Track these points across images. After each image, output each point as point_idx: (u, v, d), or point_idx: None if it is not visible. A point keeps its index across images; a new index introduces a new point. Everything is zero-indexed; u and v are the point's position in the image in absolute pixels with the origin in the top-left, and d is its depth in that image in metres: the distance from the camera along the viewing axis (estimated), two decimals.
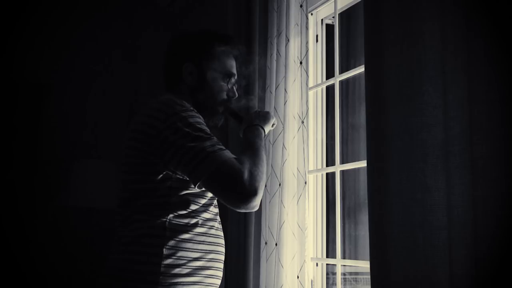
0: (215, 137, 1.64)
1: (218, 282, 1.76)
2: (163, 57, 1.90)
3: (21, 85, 3.40)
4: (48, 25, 3.67)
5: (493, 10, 1.28)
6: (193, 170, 1.60)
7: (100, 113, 3.65)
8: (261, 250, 2.16)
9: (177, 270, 1.63)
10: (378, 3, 1.59)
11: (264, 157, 1.70)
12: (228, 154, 1.61)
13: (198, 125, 1.64)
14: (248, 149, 1.72)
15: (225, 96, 1.86)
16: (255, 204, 1.59)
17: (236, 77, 1.90)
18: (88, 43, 3.75)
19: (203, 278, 1.69)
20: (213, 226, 1.75)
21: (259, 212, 2.20)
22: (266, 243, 2.16)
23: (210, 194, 1.76)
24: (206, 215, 1.73)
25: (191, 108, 1.68)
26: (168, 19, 3.49)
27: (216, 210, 1.79)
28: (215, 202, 1.79)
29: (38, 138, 3.38)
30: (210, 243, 1.72)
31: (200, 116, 1.69)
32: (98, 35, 3.78)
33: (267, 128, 1.87)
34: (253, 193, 1.58)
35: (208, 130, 1.65)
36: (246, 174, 1.57)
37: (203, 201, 1.73)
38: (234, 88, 1.90)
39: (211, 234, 1.74)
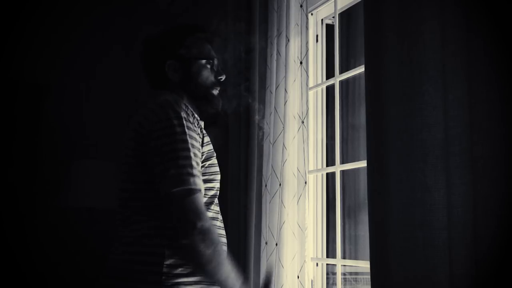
0: (193, 153, 1.65)
1: None
2: (140, 60, 1.91)
3: (21, 86, 3.40)
4: (46, 25, 3.67)
5: (494, 10, 1.28)
6: (161, 179, 1.63)
7: (99, 113, 3.65)
8: (262, 250, 2.17)
9: (179, 270, 1.63)
10: (378, 3, 1.59)
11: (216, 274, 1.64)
12: (197, 186, 1.63)
13: (185, 136, 1.64)
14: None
15: (213, 79, 1.87)
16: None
17: (216, 59, 1.91)
18: (87, 43, 3.75)
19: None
20: (215, 225, 1.75)
21: (259, 212, 2.20)
22: (266, 243, 2.16)
23: (211, 192, 1.76)
24: (208, 213, 1.74)
25: (185, 116, 1.67)
26: (167, 19, 3.49)
27: (218, 208, 1.80)
28: (216, 200, 1.79)
29: (37, 138, 3.38)
30: None
31: (192, 124, 1.69)
32: (97, 35, 3.79)
33: None
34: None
35: (192, 147, 1.66)
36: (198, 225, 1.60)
37: (204, 199, 1.74)
38: (219, 69, 1.91)
39: None
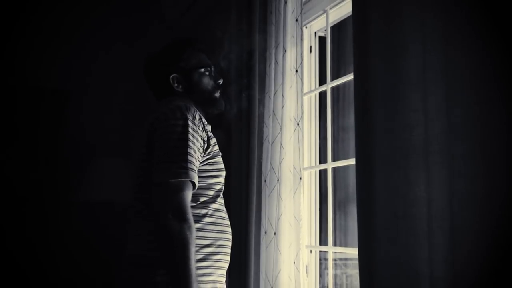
0: (193, 150, 1.64)
1: (227, 265, 1.77)
2: (144, 76, 1.91)
3: (44, 92, 3.40)
4: (63, 37, 3.65)
5: (469, 24, 1.28)
6: (157, 169, 1.63)
7: (115, 116, 3.65)
8: (261, 239, 2.17)
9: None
10: (366, 18, 1.58)
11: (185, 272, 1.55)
12: (188, 179, 1.61)
13: (185, 135, 1.64)
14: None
15: (213, 83, 1.90)
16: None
17: (213, 66, 1.92)
18: (103, 51, 3.74)
19: (214, 262, 1.70)
20: (220, 216, 1.76)
21: (259, 204, 2.20)
22: (265, 232, 2.16)
23: (217, 187, 1.76)
24: (214, 205, 1.74)
25: (190, 118, 1.67)
26: (177, 32, 3.49)
27: (223, 201, 1.80)
28: (221, 194, 1.80)
29: (60, 139, 3.38)
30: (218, 231, 1.73)
31: (196, 127, 1.69)
32: (112, 49, 3.77)
33: None
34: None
35: (193, 144, 1.65)
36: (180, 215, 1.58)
37: (211, 192, 1.74)
38: (217, 73, 1.93)
39: (219, 223, 1.75)
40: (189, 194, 1.62)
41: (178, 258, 1.55)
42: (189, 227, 1.58)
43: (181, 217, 1.58)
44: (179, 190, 1.60)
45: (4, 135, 3.26)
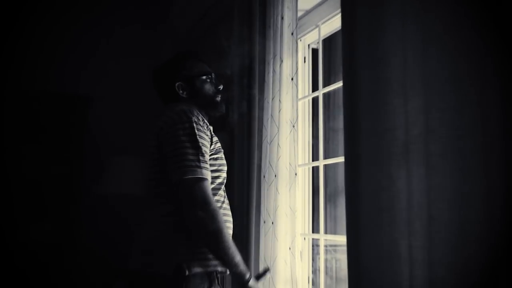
0: (203, 149, 1.64)
1: None
2: (153, 86, 1.92)
3: (69, 97, 3.40)
4: (85, 50, 3.65)
5: (444, 39, 1.29)
6: (173, 169, 1.62)
7: (130, 119, 3.65)
8: (261, 228, 2.17)
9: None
10: (353, 33, 1.59)
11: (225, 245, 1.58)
12: (204, 174, 1.62)
13: (195, 137, 1.65)
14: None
15: (214, 89, 1.89)
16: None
17: (212, 73, 1.92)
18: (120, 61, 3.74)
19: None
20: (221, 207, 1.75)
21: (258, 197, 2.20)
22: (264, 222, 2.16)
23: (219, 180, 1.75)
24: (215, 197, 1.73)
25: (195, 120, 1.68)
26: (186, 44, 3.49)
27: (224, 193, 1.79)
28: (223, 187, 1.79)
29: (84, 140, 3.38)
30: None
31: (201, 127, 1.69)
32: (129, 55, 3.78)
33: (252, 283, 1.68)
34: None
35: (203, 145, 1.65)
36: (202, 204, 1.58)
37: (212, 185, 1.73)
38: (217, 80, 1.92)
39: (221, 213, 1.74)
40: (208, 186, 1.62)
41: (215, 238, 1.58)
42: (217, 213, 1.60)
43: (207, 206, 1.58)
44: (199, 185, 1.60)
45: (34, 134, 3.26)
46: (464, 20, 1.24)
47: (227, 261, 1.60)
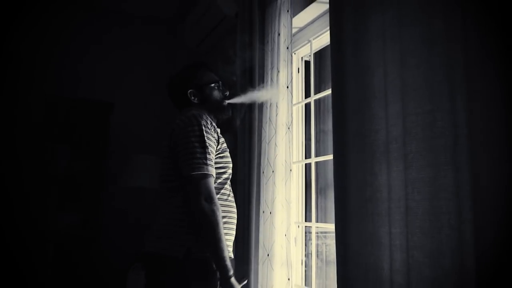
0: (209, 149, 1.65)
1: (233, 237, 1.78)
2: (168, 93, 1.92)
3: (94, 103, 3.41)
4: (108, 61, 3.67)
5: (419, 52, 1.30)
6: (184, 166, 1.63)
7: (148, 122, 3.66)
8: (260, 217, 2.17)
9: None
10: (341, 47, 1.60)
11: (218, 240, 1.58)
12: (209, 172, 1.63)
13: (203, 138, 1.65)
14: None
15: (221, 95, 1.89)
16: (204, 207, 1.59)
17: (220, 81, 1.91)
18: (139, 71, 3.75)
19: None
20: (227, 199, 1.76)
21: (258, 190, 2.20)
22: (263, 212, 2.17)
23: (225, 176, 1.76)
24: (222, 191, 1.74)
25: (204, 124, 1.68)
26: (197, 56, 3.49)
27: (230, 188, 1.80)
28: (229, 181, 1.80)
29: (107, 140, 3.39)
30: (224, 211, 1.73)
31: (209, 130, 1.69)
32: (147, 67, 3.78)
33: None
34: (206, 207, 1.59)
35: (209, 145, 1.65)
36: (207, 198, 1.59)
37: (219, 180, 1.73)
38: (224, 87, 1.92)
39: (225, 204, 1.74)
40: (212, 181, 1.63)
41: (212, 229, 1.59)
42: (218, 209, 1.61)
43: (211, 201, 1.59)
44: (205, 181, 1.61)
45: (65, 135, 3.28)
46: (435, 37, 1.25)
47: (217, 252, 1.59)
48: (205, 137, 1.65)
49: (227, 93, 1.92)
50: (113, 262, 3.27)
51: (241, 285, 1.72)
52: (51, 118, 3.18)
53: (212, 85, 1.88)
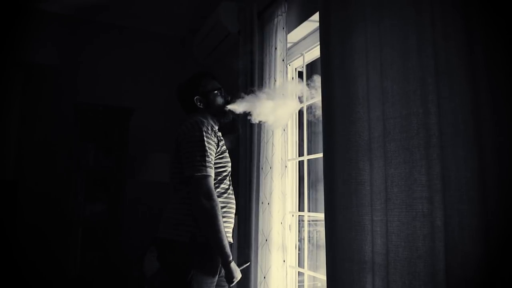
0: (210, 156, 1.64)
1: (231, 226, 1.77)
2: (177, 99, 1.90)
3: (116, 109, 3.41)
4: (124, 72, 3.67)
5: (397, 61, 1.30)
6: (187, 167, 1.63)
7: (163, 125, 3.67)
8: (259, 207, 2.17)
9: None
10: (329, 60, 1.60)
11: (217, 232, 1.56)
12: (210, 174, 1.62)
13: (203, 143, 1.64)
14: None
15: (224, 100, 1.88)
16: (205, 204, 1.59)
17: (222, 88, 1.91)
18: (154, 80, 3.75)
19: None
20: (226, 192, 1.76)
21: (258, 184, 2.20)
22: (262, 203, 2.16)
23: (225, 173, 1.75)
24: (222, 185, 1.74)
25: (205, 130, 1.67)
26: (203, 67, 3.49)
27: (229, 182, 1.80)
28: (228, 177, 1.79)
29: (127, 140, 3.39)
30: (223, 202, 1.72)
31: (209, 135, 1.68)
32: (162, 76, 3.78)
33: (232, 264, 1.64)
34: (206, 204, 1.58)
35: (209, 149, 1.64)
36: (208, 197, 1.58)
37: (219, 177, 1.73)
38: (226, 93, 1.91)
39: (225, 196, 1.74)
40: (211, 181, 1.63)
41: (212, 222, 1.58)
42: (216, 204, 1.60)
43: (210, 198, 1.59)
44: (204, 181, 1.61)
45: (90, 137, 3.29)
46: (410, 52, 1.26)
47: (216, 241, 1.59)
48: (205, 142, 1.65)
49: (229, 98, 1.92)
50: (133, 244, 3.28)
51: (242, 268, 1.72)
52: (82, 121, 3.23)
53: (215, 92, 1.88)
